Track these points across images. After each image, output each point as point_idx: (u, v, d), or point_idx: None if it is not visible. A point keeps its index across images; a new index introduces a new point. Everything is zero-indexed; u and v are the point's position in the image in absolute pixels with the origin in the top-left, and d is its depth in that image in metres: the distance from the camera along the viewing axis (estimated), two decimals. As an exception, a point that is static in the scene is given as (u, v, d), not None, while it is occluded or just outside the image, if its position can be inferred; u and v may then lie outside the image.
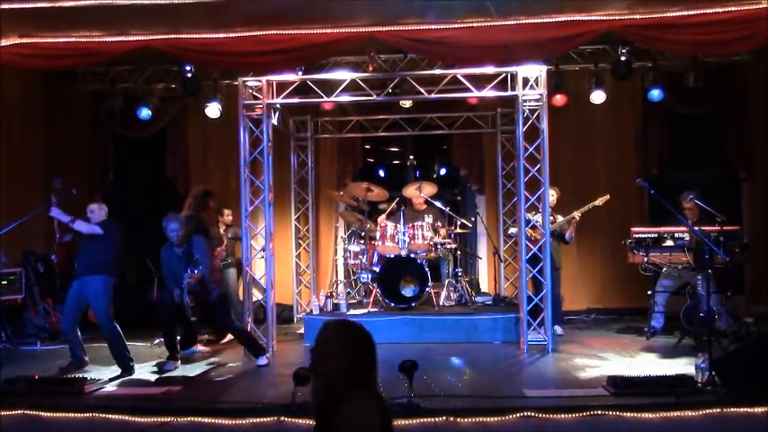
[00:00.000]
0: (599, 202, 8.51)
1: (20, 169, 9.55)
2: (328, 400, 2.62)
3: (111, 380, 6.53)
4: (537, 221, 8.17)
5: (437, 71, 8.30)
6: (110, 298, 7.00)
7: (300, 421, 5.05)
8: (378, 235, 9.15)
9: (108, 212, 7.18)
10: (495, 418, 5.08)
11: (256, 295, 8.30)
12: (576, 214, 8.52)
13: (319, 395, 2.69)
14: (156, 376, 6.84)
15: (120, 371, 6.87)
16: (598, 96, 9.47)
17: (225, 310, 7.40)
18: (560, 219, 8.66)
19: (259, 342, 7.47)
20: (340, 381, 2.65)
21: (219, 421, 5.17)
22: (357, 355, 2.72)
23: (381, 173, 11.85)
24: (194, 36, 7.35)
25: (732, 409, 5.11)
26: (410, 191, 9.85)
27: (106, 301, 6.96)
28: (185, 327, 7.49)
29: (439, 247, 9.18)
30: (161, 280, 8.50)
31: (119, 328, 7.01)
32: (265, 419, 5.14)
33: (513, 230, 8.53)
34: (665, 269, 8.21)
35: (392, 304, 8.64)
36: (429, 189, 9.74)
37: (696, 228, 7.06)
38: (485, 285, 10.57)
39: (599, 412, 5.12)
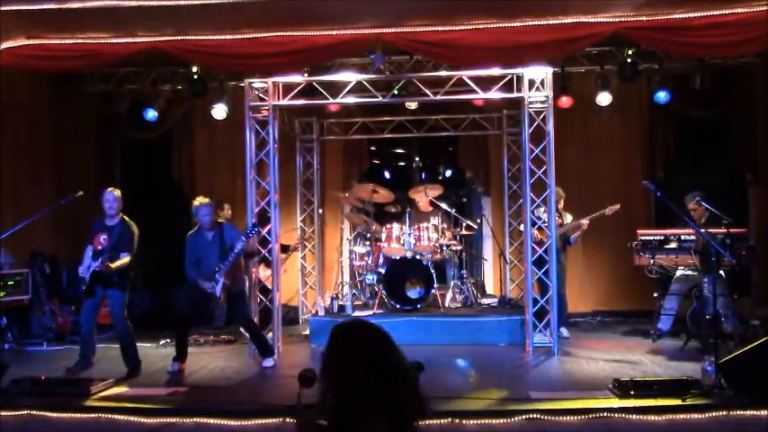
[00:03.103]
0: (608, 211, 8.45)
1: (27, 170, 9.59)
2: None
3: (117, 381, 6.53)
4: (543, 220, 8.13)
5: (443, 73, 8.29)
6: (127, 296, 7.05)
7: (305, 422, 5.05)
8: (383, 236, 9.15)
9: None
10: (501, 421, 5.09)
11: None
12: (585, 222, 8.50)
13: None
14: (163, 377, 6.85)
15: (126, 371, 6.90)
16: (604, 98, 9.45)
17: (246, 304, 7.46)
18: (569, 218, 8.64)
19: (269, 344, 7.48)
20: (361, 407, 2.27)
21: (225, 422, 5.18)
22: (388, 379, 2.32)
23: (387, 174, 11.85)
24: (201, 38, 7.40)
25: (738, 412, 5.10)
26: (416, 193, 9.85)
27: (124, 299, 7.02)
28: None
29: (444, 248, 9.17)
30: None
31: (132, 327, 7.06)
32: (270, 421, 5.15)
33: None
34: (677, 273, 8.17)
35: (397, 306, 8.64)
36: (435, 191, 9.74)
37: (703, 230, 7.04)
38: (490, 287, 10.56)
39: (605, 414, 5.12)
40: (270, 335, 7.80)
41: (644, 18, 6.94)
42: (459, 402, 5.59)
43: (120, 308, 6.99)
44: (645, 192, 9.56)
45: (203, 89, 9.57)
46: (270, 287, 8.14)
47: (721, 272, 7.20)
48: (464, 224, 9.47)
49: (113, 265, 6.83)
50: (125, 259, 6.92)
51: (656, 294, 8.28)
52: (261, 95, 8.20)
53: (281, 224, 8.44)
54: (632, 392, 5.54)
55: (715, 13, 6.72)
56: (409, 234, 8.91)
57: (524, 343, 7.86)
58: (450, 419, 5.05)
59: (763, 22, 6.59)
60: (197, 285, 7.07)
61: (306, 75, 8.40)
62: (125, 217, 7.12)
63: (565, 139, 8.95)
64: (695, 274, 8.04)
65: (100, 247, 6.95)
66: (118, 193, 7.11)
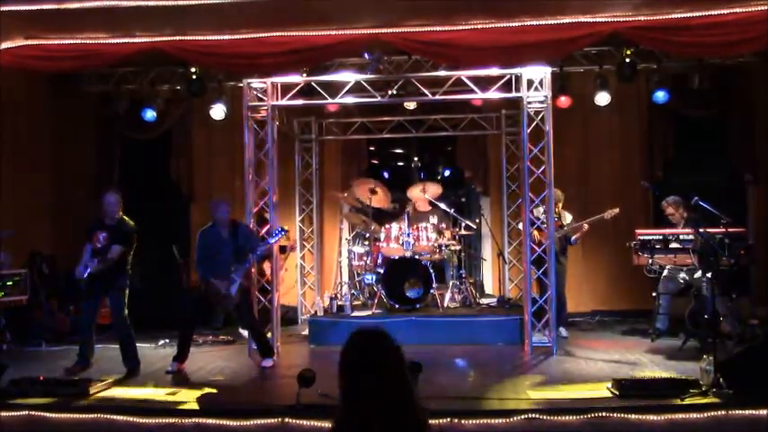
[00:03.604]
0: (607, 215, 8.44)
1: (27, 170, 9.59)
2: None
3: (116, 381, 6.53)
4: (542, 220, 8.12)
5: (441, 73, 8.29)
6: (126, 296, 7.05)
7: (304, 422, 5.06)
8: (382, 236, 9.15)
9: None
10: (500, 420, 5.08)
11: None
12: (585, 225, 8.50)
13: None
14: (162, 377, 6.85)
15: (125, 371, 6.90)
16: (603, 98, 9.46)
17: (251, 303, 7.48)
18: (568, 218, 8.63)
19: (270, 344, 7.48)
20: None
21: (224, 422, 5.17)
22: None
23: (386, 174, 11.86)
24: (199, 38, 7.39)
25: (737, 412, 5.10)
26: (415, 192, 9.85)
27: (123, 300, 7.02)
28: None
29: (443, 248, 9.17)
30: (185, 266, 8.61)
31: (132, 328, 7.05)
32: (270, 421, 5.15)
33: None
34: (665, 272, 8.20)
35: (396, 306, 8.63)
36: (433, 191, 9.74)
37: (701, 230, 7.05)
38: (489, 287, 10.56)
39: (604, 414, 5.11)
40: (269, 335, 7.80)
41: (642, 18, 6.95)
42: (459, 402, 5.58)
43: (121, 308, 7.00)
44: (644, 191, 9.59)
45: (202, 89, 9.57)
46: (273, 286, 8.13)
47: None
48: (463, 224, 9.47)
49: (110, 257, 6.85)
50: (118, 250, 6.90)
51: (654, 294, 8.28)
52: (259, 95, 8.20)
53: (279, 224, 8.43)
54: (631, 392, 5.55)
55: (713, 12, 6.73)
56: (408, 234, 8.90)
57: (523, 343, 7.86)
58: (449, 419, 5.04)
59: (761, 22, 6.60)
60: (210, 284, 7.07)
61: (304, 75, 8.40)
62: (124, 217, 7.12)
63: (563, 138, 8.95)
64: (683, 272, 8.04)
65: (99, 246, 6.95)
66: (118, 195, 7.11)
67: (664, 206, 8.34)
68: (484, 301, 9.46)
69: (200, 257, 7.22)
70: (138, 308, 8.28)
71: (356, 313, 8.72)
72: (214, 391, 6.33)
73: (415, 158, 11.43)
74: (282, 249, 9.36)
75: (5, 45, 7.34)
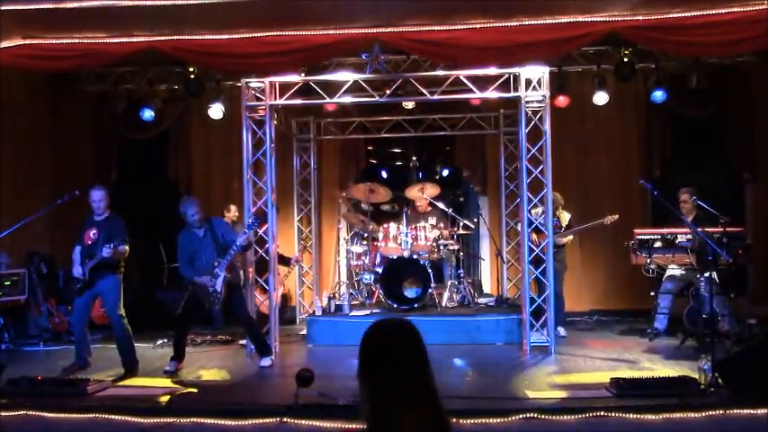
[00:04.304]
0: (607, 221, 8.41)
1: (27, 170, 9.59)
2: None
3: (114, 380, 6.53)
4: (540, 221, 8.11)
5: (440, 72, 8.29)
6: (121, 295, 7.01)
7: (303, 422, 5.05)
8: (380, 236, 9.15)
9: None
10: (498, 420, 5.07)
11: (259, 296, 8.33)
12: (570, 236, 8.56)
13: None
14: (160, 377, 6.84)
15: (123, 371, 6.88)
16: (601, 98, 9.47)
17: (243, 298, 7.46)
18: (567, 217, 8.62)
19: (267, 343, 7.48)
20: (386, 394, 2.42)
21: (222, 422, 5.16)
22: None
23: (384, 174, 11.86)
24: (197, 37, 7.39)
25: (735, 411, 5.09)
26: (413, 192, 9.85)
27: (118, 298, 6.97)
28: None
29: (441, 248, 9.17)
30: (173, 271, 8.57)
31: (129, 327, 7.04)
32: (268, 420, 5.14)
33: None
34: (668, 272, 8.21)
35: (395, 305, 8.63)
36: (432, 190, 9.74)
37: (699, 228, 7.05)
38: (487, 287, 10.56)
39: (602, 413, 5.11)
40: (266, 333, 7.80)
41: (640, 17, 6.95)
42: (457, 401, 5.57)
43: (116, 306, 6.94)
44: (642, 191, 9.58)
45: (200, 89, 9.57)
46: (272, 285, 8.13)
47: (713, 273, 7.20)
48: (461, 223, 9.47)
49: (120, 250, 6.80)
50: (126, 247, 6.88)
51: (652, 293, 8.28)
52: (257, 95, 8.19)
53: (277, 224, 8.44)
54: (629, 391, 5.55)
55: (711, 12, 6.73)
56: (406, 233, 8.90)
57: (521, 342, 7.87)
58: (447, 419, 5.04)
59: (760, 21, 6.60)
60: (195, 283, 7.07)
61: (303, 74, 8.40)
62: (113, 213, 7.09)
63: (562, 138, 8.96)
64: (685, 272, 8.05)
65: (90, 242, 6.90)
66: (104, 190, 7.06)
67: (680, 192, 8.21)
68: (482, 300, 9.44)
69: (183, 260, 7.19)
70: (136, 307, 8.31)
71: (354, 313, 8.72)
72: (212, 390, 6.34)
73: (414, 158, 11.43)
74: (284, 261, 9.32)
75: (3, 45, 7.34)
